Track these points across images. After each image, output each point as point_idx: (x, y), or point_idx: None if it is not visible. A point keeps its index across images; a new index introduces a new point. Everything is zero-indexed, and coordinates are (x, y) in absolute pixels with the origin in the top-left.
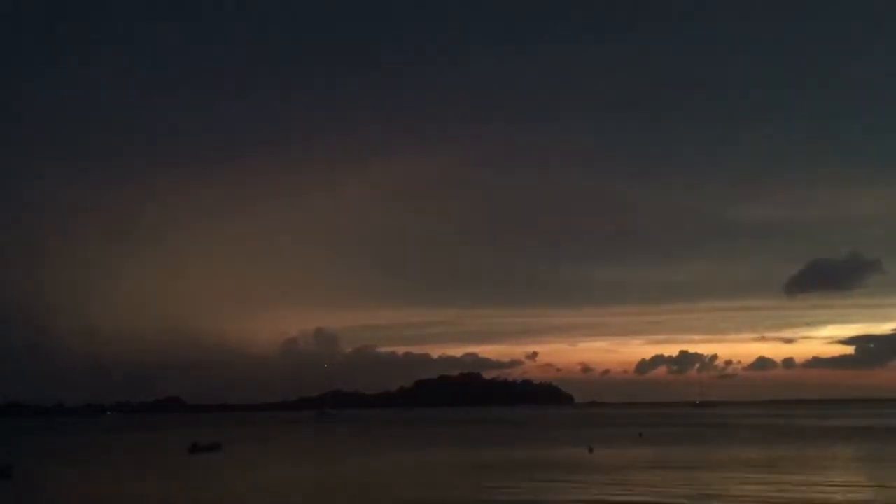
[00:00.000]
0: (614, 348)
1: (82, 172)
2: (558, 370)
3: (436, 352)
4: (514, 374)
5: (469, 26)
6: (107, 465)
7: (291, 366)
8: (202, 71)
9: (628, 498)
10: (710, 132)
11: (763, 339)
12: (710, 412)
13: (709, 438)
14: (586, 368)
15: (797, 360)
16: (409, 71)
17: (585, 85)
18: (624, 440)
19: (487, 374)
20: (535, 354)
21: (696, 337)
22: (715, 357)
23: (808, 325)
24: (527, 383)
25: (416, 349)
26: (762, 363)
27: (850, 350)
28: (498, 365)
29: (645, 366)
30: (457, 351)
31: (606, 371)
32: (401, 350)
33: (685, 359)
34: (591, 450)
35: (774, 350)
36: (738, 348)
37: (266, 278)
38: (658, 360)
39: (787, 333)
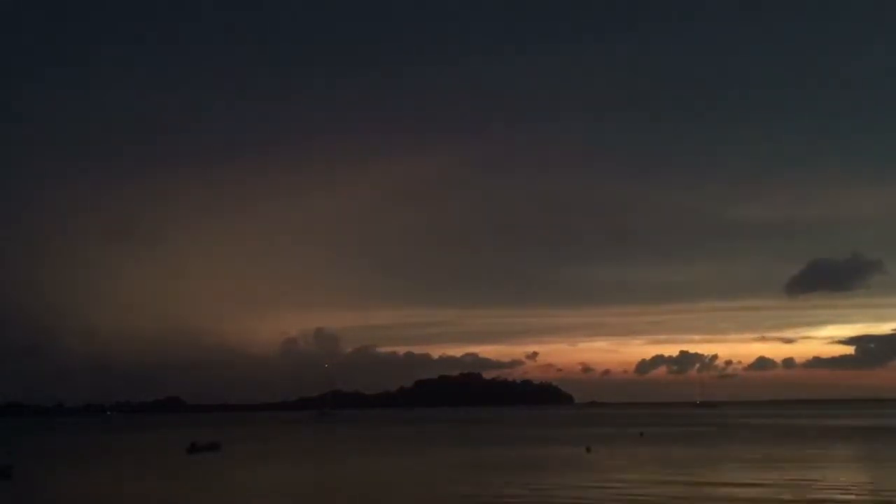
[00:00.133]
0: (614, 348)
1: (82, 172)
2: (558, 370)
3: (436, 352)
4: (514, 375)
5: (469, 26)
6: (107, 465)
7: (291, 366)
8: (202, 71)
9: (628, 497)
10: (710, 132)
11: (763, 339)
12: (711, 412)
13: (709, 438)
14: (586, 368)
15: (797, 360)
16: (409, 71)
17: (585, 85)
18: (624, 440)
19: (487, 374)
20: (535, 354)
21: (697, 337)
22: (715, 357)
23: (809, 325)
24: (527, 383)
25: (416, 349)
26: (762, 363)
27: (850, 350)
28: (498, 365)
29: (645, 366)
30: (457, 351)
31: (606, 371)
32: (401, 350)
33: (685, 359)
34: (588, 449)
35: (775, 350)
36: (738, 348)
37: (266, 278)
38: (658, 360)
39: (788, 333)
